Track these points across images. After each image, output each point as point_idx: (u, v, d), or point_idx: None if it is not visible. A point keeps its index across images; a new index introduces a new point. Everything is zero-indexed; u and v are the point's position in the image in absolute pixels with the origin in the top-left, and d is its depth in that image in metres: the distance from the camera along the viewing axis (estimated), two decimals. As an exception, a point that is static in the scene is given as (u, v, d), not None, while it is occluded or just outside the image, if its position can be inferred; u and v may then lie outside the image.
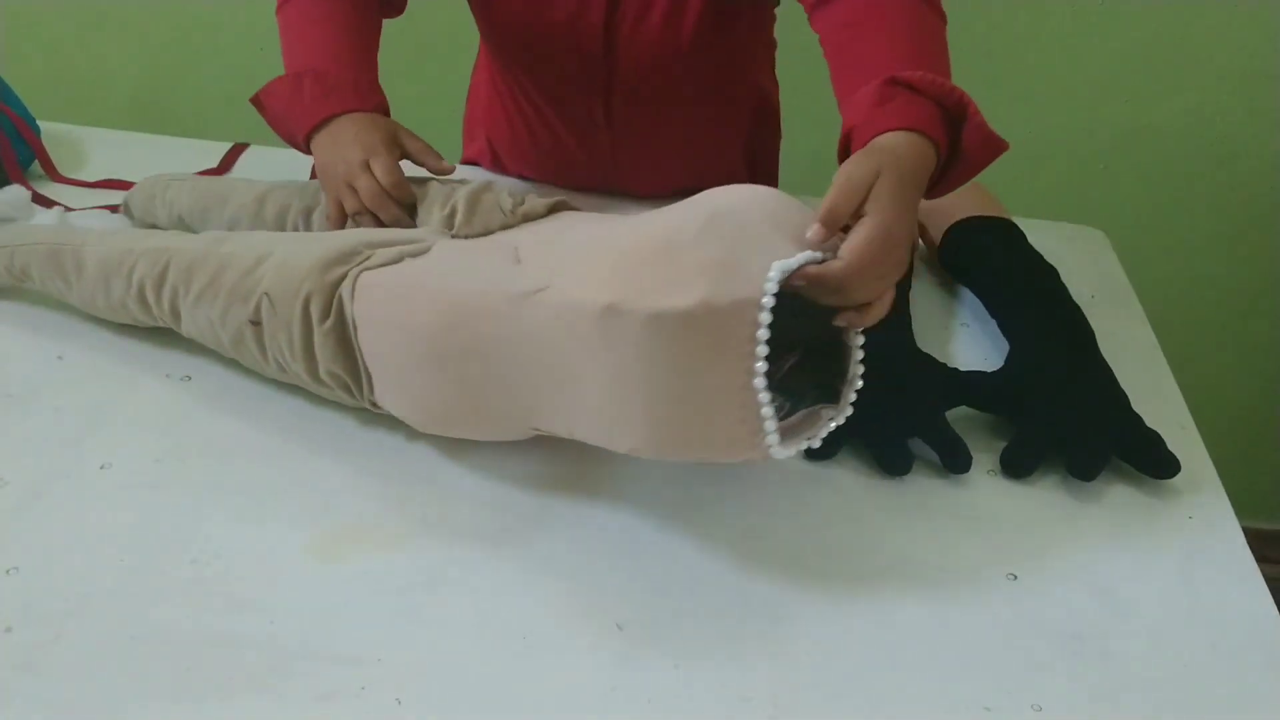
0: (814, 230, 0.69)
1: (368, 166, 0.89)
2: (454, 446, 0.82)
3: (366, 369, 0.79)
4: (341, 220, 0.92)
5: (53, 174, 1.18)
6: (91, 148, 1.26)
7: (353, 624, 0.68)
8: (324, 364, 0.80)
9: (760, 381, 0.65)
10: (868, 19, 0.85)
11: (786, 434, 0.70)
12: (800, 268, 0.67)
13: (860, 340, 0.73)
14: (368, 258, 0.80)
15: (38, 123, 1.22)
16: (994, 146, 0.80)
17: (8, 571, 0.70)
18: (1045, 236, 1.06)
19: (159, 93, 1.76)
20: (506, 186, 0.89)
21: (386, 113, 0.96)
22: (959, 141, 0.79)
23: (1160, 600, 0.73)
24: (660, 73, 1.06)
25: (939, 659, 0.68)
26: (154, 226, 1.08)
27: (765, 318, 0.64)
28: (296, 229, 0.96)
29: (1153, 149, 1.60)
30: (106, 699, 0.62)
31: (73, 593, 0.69)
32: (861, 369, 0.73)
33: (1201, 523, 0.79)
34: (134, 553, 0.72)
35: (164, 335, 0.94)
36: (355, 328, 0.78)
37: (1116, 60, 1.54)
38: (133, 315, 0.90)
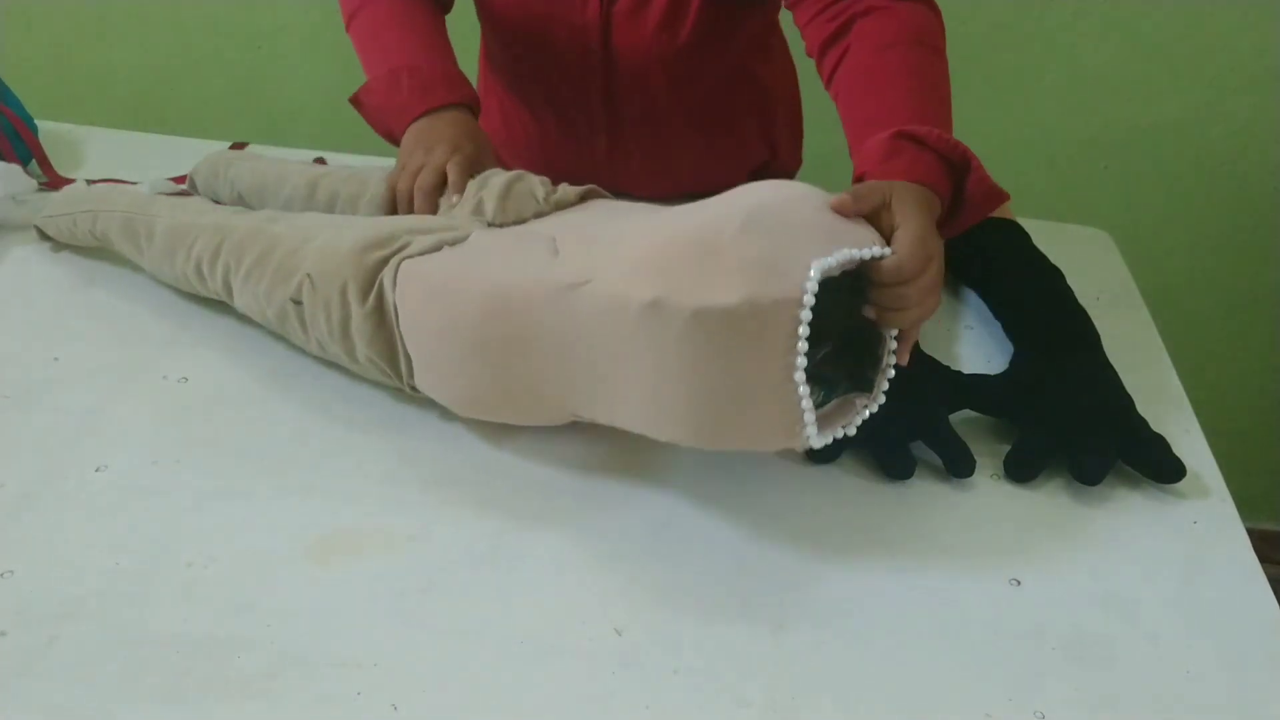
0: (840, 198, 0.72)
1: (440, 166, 0.92)
2: (452, 449, 0.82)
3: (406, 353, 0.80)
4: (390, 199, 0.95)
5: (50, 173, 1.18)
6: (90, 147, 1.25)
7: (349, 628, 0.67)
8: (361, 347, 0.82)
9: (800, 376, 0.67)
10: (878, 71, 0.87)
11: (822, 423, 0.71)
12: (839, 265, 0.68)
13: (893, 330, 0.74)
14: (407, 244, 0.81)
15: (36, 122, 1.22)
16: (995, 197, 0.84)
17: (3, 575, 0.70)
18: (1050, 238, 1.05)
19: (158, 92, 1.76)
20: (537, 177, 0.90)
21: (476, 101, 1.01)
22: (962, 190, 0.83)
23: (1164, 605, 0.72)
24: (660, 71, 1.05)
25: (941, 664, 0.67)
26: (215, 200, 1.10)
27: (805, 315, 0.66)
28: (344, 213, 0.99)
29: (1156, 149, 1.60)
30: (102, 702, 0.62)
31: (68, 596, 0.68)
32: (894, 358, 0.75)
33: (1206, 527, 0.79)
34: (130, 556, 0.72)
35: (161, 337, 0.93)
36: (396, 314, 0.79)
37: (1119, 60, 1.53)
38: (193, 286, 0.94)
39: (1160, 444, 0.82)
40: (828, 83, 0.93)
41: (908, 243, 0.72)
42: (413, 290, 0.78)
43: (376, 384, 0.88)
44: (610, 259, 0.73)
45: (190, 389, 0.88)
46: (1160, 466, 0.81)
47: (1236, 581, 0.74)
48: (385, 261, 0.80)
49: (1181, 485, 0.81)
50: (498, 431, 0.84)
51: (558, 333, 0.73)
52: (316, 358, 0.90)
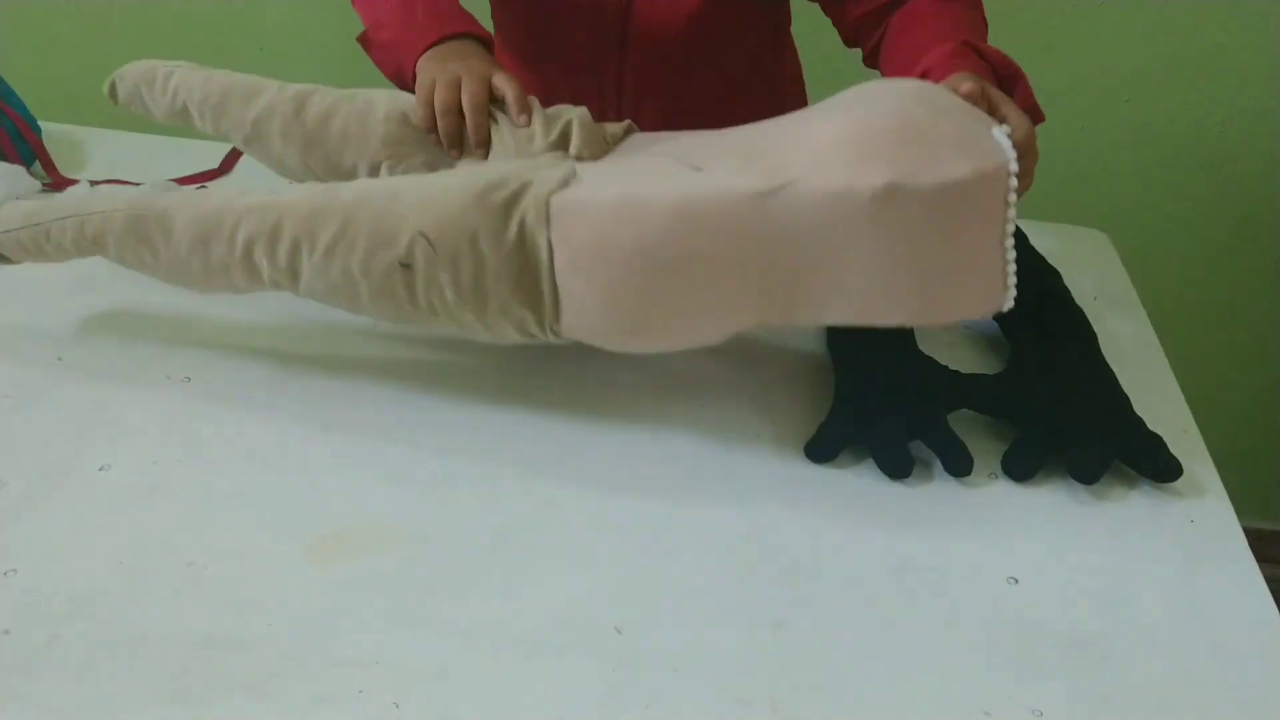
0: (970, 87, 0.79)
1: (485, 77, 0.91)
2: (453, 449, 0.82)
3: (557, 295, 0.78)
4: (429, 117, 0.91)
5: (53, 174, 1.18)
6: (92, 148, 1.26)
7: (351, 627, 0.68)
8: (501, 295, 0.78)
9: (1011, 241, 0.74)
10: (929, 14, 0.95)
11: None
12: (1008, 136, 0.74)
13: (1013, 199, 0.77)
14: (528, 183, 0.78)
15: (38, 123, 1.22)
16: (1033, 115, 0.88)
17: (5, 574, 0.70)
18: (1047, 238, 1.06)
19: (160, 93, 1.76)
20: (575, 111, 0.91)
21: (491, 41, 1.00)
22: None
23: (1161, 604, 0.72)
24: (676, 57, 1.06)
25: (938, 662, 0.68)
26: (144, 113, 1.05)
27: (1013, 182, 0.72)
28: (345, 134, 0.95)
29: (1154, 150, 1.60)
30: (103, 702, 0.62)
31: (70, 595, 0.69)
32: (1015, 225, 0.78)
33: (1203, 526, 0.79)
34: (132, 555, 0.72)
35: (164, 337, 0.93)
36: (552, 253, 0.76)
37: (1117, 60, 1.54)
38: (232, 281, 0.85)
39: (1157, 443, 0.83)
40: (882, 44, 1.00)
41: (1020, 119, 0.79)
42: (576, 223, 0.76)
43: (377, 384, 0.88)
44: (798, 160, 0.74)
45: (193, 389, 0.88)
46: (1157, 465, 0.81)
47: (1234, 581, 0.75)
48: (512, 203, 0.77)
49: (1179, 484, 0.81)
50: (497, 430, 0.84)
51: (759, 239, 0.74)
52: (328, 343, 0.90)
